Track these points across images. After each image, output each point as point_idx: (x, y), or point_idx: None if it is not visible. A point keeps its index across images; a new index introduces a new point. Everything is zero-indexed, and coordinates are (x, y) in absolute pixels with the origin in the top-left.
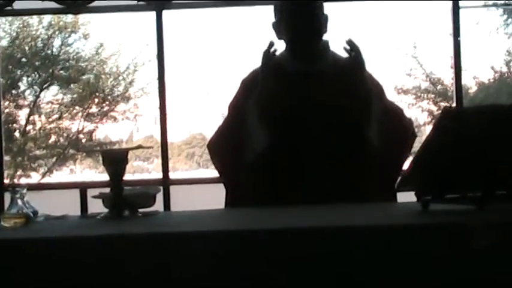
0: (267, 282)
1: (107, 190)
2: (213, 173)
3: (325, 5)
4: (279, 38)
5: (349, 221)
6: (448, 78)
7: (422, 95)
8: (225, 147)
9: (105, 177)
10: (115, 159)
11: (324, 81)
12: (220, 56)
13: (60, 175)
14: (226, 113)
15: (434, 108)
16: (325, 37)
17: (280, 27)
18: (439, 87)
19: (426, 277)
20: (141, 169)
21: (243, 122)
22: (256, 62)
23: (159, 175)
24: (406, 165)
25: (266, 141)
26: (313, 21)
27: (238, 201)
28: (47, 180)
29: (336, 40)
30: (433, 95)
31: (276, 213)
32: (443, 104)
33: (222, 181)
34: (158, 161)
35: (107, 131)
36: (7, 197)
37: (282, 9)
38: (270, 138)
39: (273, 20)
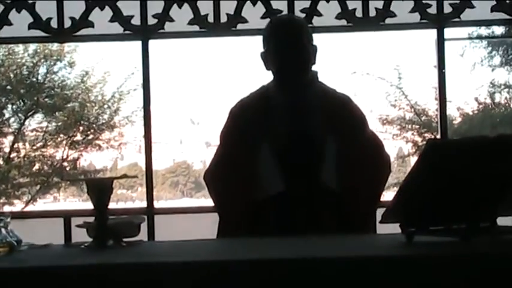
0: None
1: (91, 219)
2: (198, 202)
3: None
4: (267, 68)
5: (332, 252)
6: (433, 109)
7: (406, 125)
8: (221, 179)
9: (89, 205)
10: (100, 188)
11: (311, 113)
12: (205, 85)
13: (44, 203)
14: (211, 142)
15: (418, 139)
16: (314, 68)
17: (268, 58)
18: (423, 118)
19: None
20: (125, 197)
21: (237, 154)
22: (242, 91)
23: (143, 203)
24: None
25: (280, 187)
26: (300, 52)
27: (234, 233)
28: (31, 208)
29: (323, 71)
30: (417, 126)
31: (260, 244)
32: (427, 135)
33: (215, 211)
34: (142, 189)
35: (92, 159)
36: None
37: (269, 40)
38: (284, 184)
39: (262, 50)
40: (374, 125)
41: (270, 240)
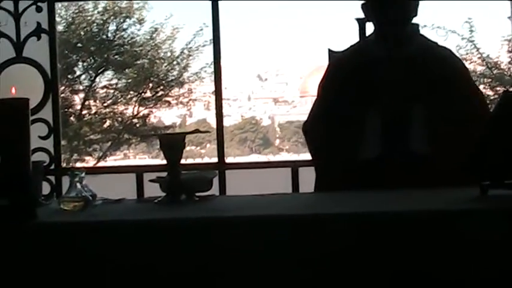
0: (326, 267)
1: (163, 174)
2: (266, 158)
3: None
4: (368, 20)
5: (405, 206)
6: (505, 62)
7: (478, 79)
8: (319, 133)
9: (158, 162)
10: (172, 143)
11: (410, 66)
12: (273, 41)
13: (115, 159)
14: (279, 98)
15: (490, 93)
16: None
17: (369, 10)
18: (495, 71)
19: (483, 262)
20: (194, 154)
21: (336, 108)
22: (310, 49)
23: (212, 160)
24: None
25: (379, 151)
26: (402, 4)
27: (328, 187)
28: (102, 164)
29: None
30: (489, 80)
31: (336, 199)
32: (499, 89)
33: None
34: (211, 146)
35: (161, 116)
36: (65, 180)
37: None
38: (382, 145)
39: (362, 1)
40: None
41: (349, 195)
